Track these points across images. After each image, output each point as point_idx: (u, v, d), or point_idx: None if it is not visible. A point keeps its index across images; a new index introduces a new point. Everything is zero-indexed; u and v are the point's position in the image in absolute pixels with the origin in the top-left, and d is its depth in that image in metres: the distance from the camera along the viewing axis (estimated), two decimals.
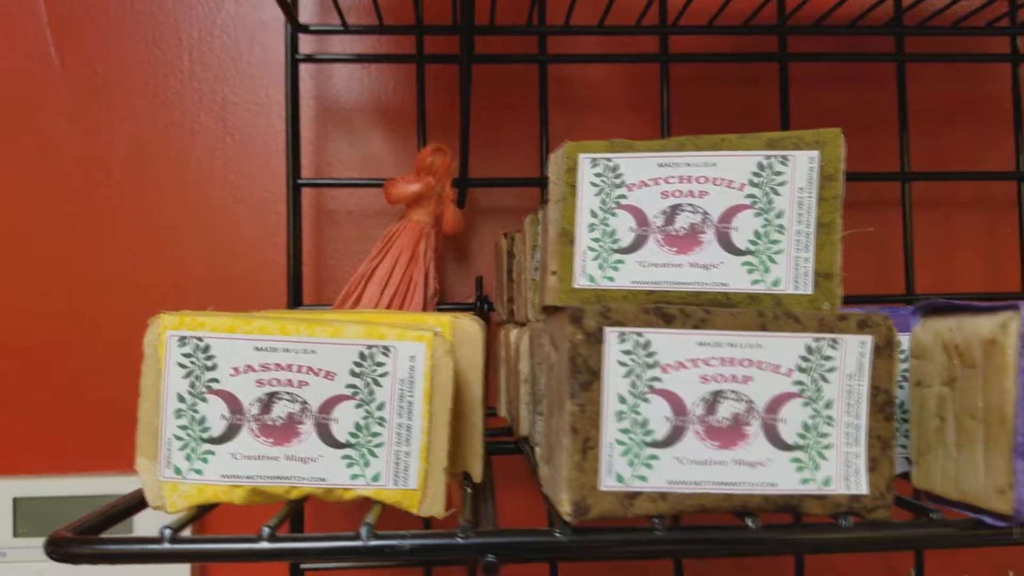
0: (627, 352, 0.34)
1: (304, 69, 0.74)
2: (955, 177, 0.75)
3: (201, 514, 0.37)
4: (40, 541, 0.67)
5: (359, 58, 0.74)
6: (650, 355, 0.34)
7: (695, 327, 0.35)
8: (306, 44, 0.74)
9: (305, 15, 0.74)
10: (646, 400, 0.34)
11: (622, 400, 0.34)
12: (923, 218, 0.77)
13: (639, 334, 0.34)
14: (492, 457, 0.48)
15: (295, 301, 0.68)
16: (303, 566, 0.68)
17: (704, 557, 0.72)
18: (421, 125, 0.71)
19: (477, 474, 0.42)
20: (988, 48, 0.78)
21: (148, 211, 0.73)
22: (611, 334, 0.34)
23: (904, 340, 0.41)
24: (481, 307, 0.70)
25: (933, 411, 0.38)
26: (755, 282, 0.39)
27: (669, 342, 0.35)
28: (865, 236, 0.75)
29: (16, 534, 0.71)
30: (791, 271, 0.39)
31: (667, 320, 0.35)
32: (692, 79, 0.78)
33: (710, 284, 0.39)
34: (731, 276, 0.39)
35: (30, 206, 0.73)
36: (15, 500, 0.71)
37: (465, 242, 0.76)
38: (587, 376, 0.34)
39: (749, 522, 0.34)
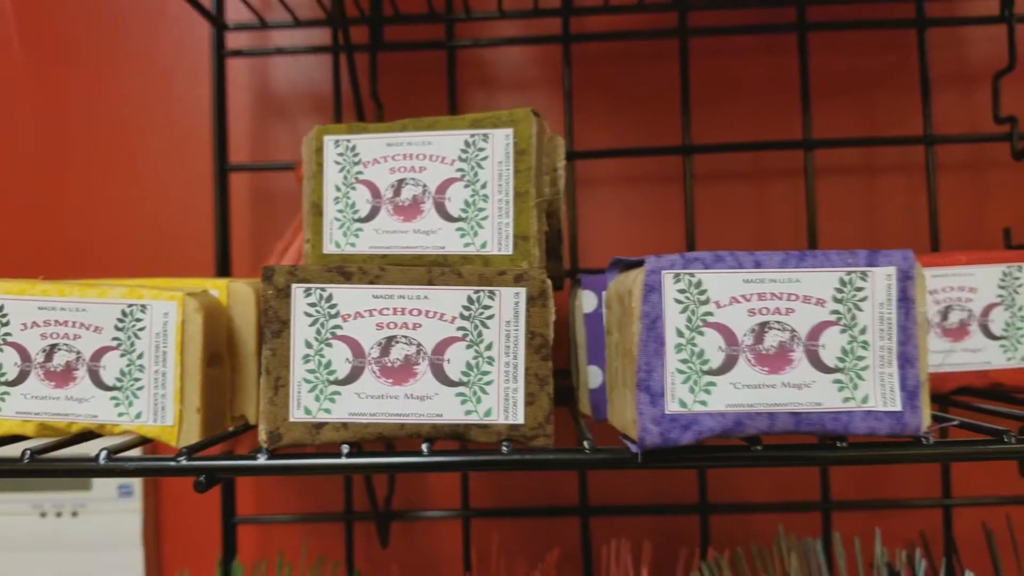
0: (312, 304, 0.42)
1: (246, 64, 0.83)
2: (860, 143, 0.78)
3: (3, 444, 0.46)
4: (15, 496, 0.79)
5: (279, 51, 0.83)
6: (332, 307, 0.42)
7: (371, 282, 0.42)
8: (240, 39, 0.82)
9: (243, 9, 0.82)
10: (329, 345, 0.42)
11: (308, 345, 0.42)
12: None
13: (323, 289, 0.42)
14: None
15: (222, 272, 0.78)
16: (233, 520, 0.77)
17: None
18: (337, 110, 0.80)
19: (253, 416, 0.50)
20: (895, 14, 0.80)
21: (99, 190, 0.84)
22: (298, 290, 0.42)
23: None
24: None
25: (614, 355, 0.45)
26: (467, 245, 0.46)
27: (349, 296, 0.42)
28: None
29: None
30: (495, 234, 0.46)
31: (347, 277, 0.42)
32: (602, 56, 0.83)
33: (431, 247, 0.47)
34: (447, 240, 0.46)
35: None
36: None
37: None
38: (277, 325, 0.42)
39: (424, 447, 0.42)
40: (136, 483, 0.80)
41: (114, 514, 0.81)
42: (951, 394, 0.55)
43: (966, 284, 0.54)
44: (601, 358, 0.51)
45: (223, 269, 0.77)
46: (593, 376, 0.51)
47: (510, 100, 0.84)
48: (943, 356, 0.54)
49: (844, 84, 0.82)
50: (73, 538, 0.81)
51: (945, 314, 0.54)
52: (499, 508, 0.80)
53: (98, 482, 0.80)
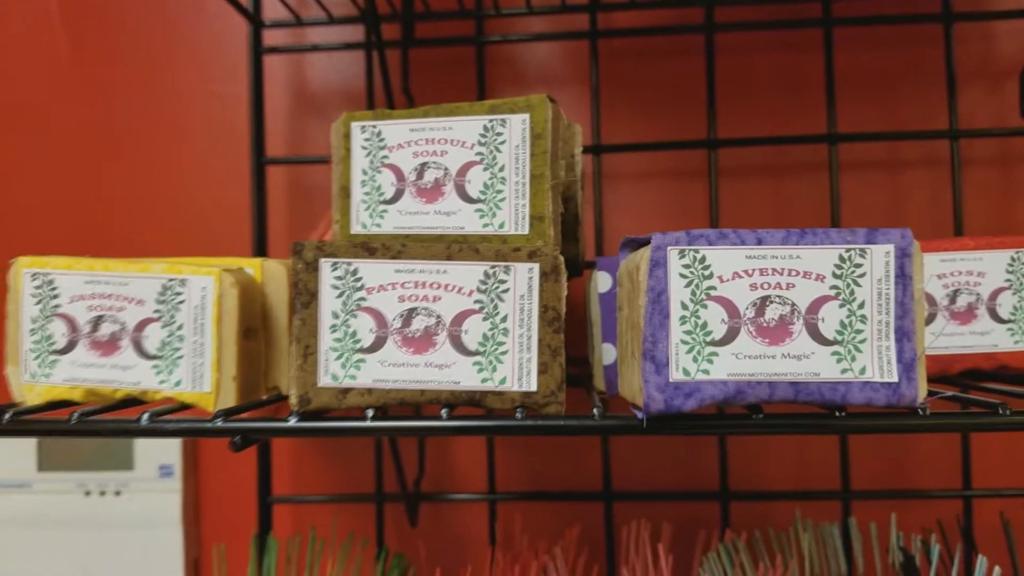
0: (339, 278, 0.45)
1: (282, 61, 0.88)
2: (884, 138, 0.80)
3: (51, 408, 0.50)
4: (61, 475, 0.84)
5: (314, 47, 0.87)
6: (357, 280, 0.45)
7: (393, 257, 0.45)
8: (277, 36, 0.86)
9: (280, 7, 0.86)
10: (354, 316, 0.45)
11: (335, 316, 0.45)
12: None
13: (349, 263, 0.45)
14: None
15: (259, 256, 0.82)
16: (269, 499, 0.81)
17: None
18: (370, 105, 0.84)
19: (285, 387, 0.54)
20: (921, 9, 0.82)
21: (143, 183, 0.89)
22: (325, 264, 0.45)
23: None
24: None
25: (624, 329, 0.47)
26: (485, 225, 0.49)
27: (373, 269, 0.45)
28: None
29: (40, 468, 0.88)
30: (512, 215, 0.49)
31: (371, 252, 0.45)
32: (629, 51, 0.85)
33: (451, 227, 0.50)
34: (467, 221, 0.49)
35: (45, 173, 0.90)
36: (39, 438, 0.88)
37: None
38: (307, 297, 0.45)
39: (443, 413, 0.45)
40: (176, 463, 0.85)
41: (155, 493, 0.85)
42: (959, 376, 0.57)
43: (974, 268, 0.56)
44: (615, 336, 0.54)
45: (260, 256, 0.81)
46: (607, 353, 0.54)
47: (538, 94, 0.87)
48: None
49: (868, 78, 0.84)
50: (116, 516, 0.85)
51: (953, 297, 0.56)
52: (525, 492, 0.83)
53: (140, 462, 0.85)
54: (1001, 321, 0.56)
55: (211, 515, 0.87)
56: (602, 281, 0.54)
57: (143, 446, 0.85)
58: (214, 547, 0.83)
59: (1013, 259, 0.56)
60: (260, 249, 0.81)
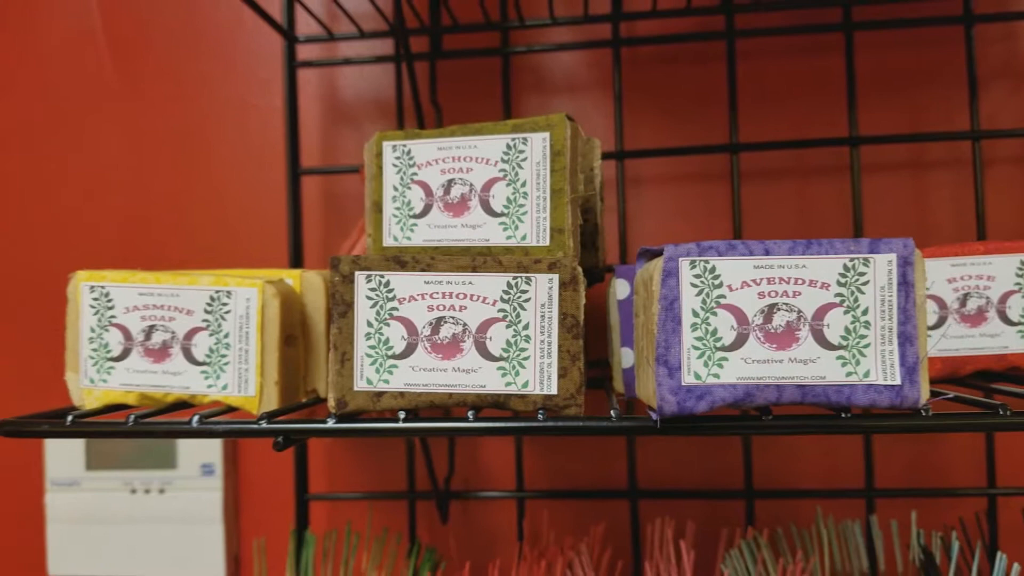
0: (373, 289, 0.49)
1: (315, 73, 0.92)
2: (906, 140, 0.82)
3: (108, 411, 0.55)
4: (108, 474, 0.89)
5: (346, 61, 0.91)
6: (389, 291, 0.49)
7: (423, 270, 0.49)
8: (309, 50, 0.91)
9: (312, 22, 0.90)
10: (387, 324, 0.49)
11: (369, 324, 0.49)
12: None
13: (381, 276, 0.49)
14: None
15: (295, 267, 0.86)
16: (306, 496, 0.86)
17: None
18: (399, 116, 0.88)
19: (323, 391, 0.58)
20: (942, 11, 0.84)
21: (181, 192, 0.94)
22: (360, 276, 0.49)
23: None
24: None
25: (640, 335, 0.51)
26: (508, 237, 0.53)
27: (404, 281, 0.49)
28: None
29: (89, 467, 0.93)
30: (534, 228, 0.52)
31: (402, 265, 0.49)
32: (651, 58, 0.89)
33: (477, 240, 0.53)
34: (491, 233, 0.53)
35: (86, 184, 0.95)
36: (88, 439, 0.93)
37: None
38: (343, 307, 0.49)
39: (470, 415, 0.49)
40: (218, 462, 0.89)
41: (197, 491, 0.90)
42: (969, 377, 0.59)
43: (984, 273, 0.59)
44: (633, 341, 0.57)
45: (296, 264, 0.85)
46: (626, 357, 0.58)
47: (562, 102, 0.91)
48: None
49: (889, 81, 0.86)
50: (159, 513, 0.90)
51: (964, 301, 0.59)
52: (552, 490, 0.86)
53: (183, 461, 0.89)
54: (1011, 323, 0.58)
55: (250, 511, 0.92)
56: (620, 288, 0.58)
57: (186, 446, 0.89)
58: (254, 541, 0.87)
59: (1023, 263, 0.58)
60: (296, 256, 0.85)
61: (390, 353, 0.49)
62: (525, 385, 0.49)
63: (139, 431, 0.50)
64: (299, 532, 0.79)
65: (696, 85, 0.88)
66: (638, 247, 0.86)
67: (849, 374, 0.46)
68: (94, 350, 0.55)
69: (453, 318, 0.49)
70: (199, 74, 0.94)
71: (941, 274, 0.59)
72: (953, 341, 0.59)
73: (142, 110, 0.95)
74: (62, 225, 0.95)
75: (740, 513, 0.84)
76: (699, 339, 0.46)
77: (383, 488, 0.89)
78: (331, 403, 0.49)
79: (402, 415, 0.49)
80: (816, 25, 0.83)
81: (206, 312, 0.54)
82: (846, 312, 0.46)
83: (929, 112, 0.86)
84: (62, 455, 0.92)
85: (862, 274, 0.46)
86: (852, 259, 0.46)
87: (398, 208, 0.55)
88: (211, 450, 0.89)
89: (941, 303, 0.59)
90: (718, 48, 0.86)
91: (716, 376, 0.46)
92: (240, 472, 0.92)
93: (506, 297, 0.49)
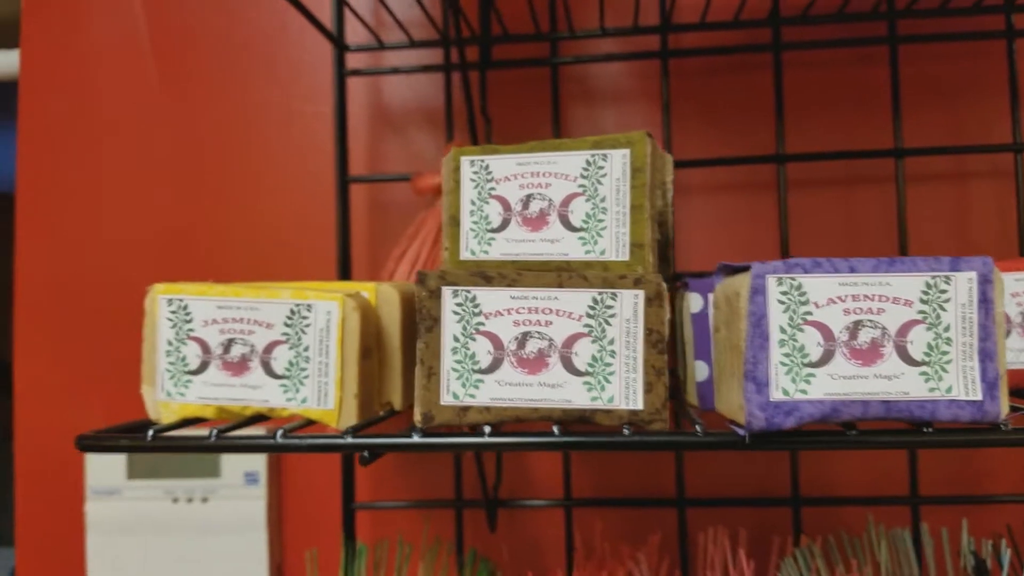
0: (459, 304, 0.51)
1: (361, 81, 0.93)
2: (949, 152, 0.84)
3: (186, 425, 0.56)
4: (149, 482, 0.90)
5: (395, 70, 0.92)
6: (476, 306, 0.51)
7: (509, 285, 0.51)
8: (358, 59, 0.92)
9: (359, 32, 0.92)
10: (473, 339, 0.51)
11: (456, 339, 0.51)
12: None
13: (468, 291, 0.51)
14: None
15: (343, 275, 0.87)
16: (353, 506, 0.87)
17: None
18: (448, 125, 0.89)
19: (397, 403, 0.59)
20: (982, 26, 0.86)
21: (229, 201, 0.95)
22: (447, 291, 0.51)
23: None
24: None
25: (722, 349, 0.52)
26: (587, 252, 0.54)
27: (490, 296, 0.51)
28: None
29: (130, 476, 0.94)
30: (613, 243, 0.54)
31: (488, 280, 0.51)
32: (698, 69, 0.90)
33: (555, 254, 0.55)
34: (570, 248, 0.54)
35: (135, 193, 0.96)
36: None
37: None
38: (430, 322, 0.51)
39: (555, 429, 0.50)
40: (261, 471, 0.90)
41: (241, 500, 0.91)
42: None
43: None
44: (707, 354, 0.59)
45: (344, 273, 0.86)
46: (700, 370, 0.59)
47: (610, 113, 0.92)
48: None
49: (933, 93, 0.88)
50: (202, 522, 0.91)
51: None
52: (600, 498, 0.88)
53: (227, 470, 0.91)
54: None
55: (293, 522, 0.93)
56: (694, 302, 0.59)
57: (230, 454, 0.90)
58: (307, 552, 0.88)
59: None
60: (344, 265, 0.86)
61: (476, 368, 0.50)
62: (611, 400, 0.50)
63: (222, 446, 0.52)
64: (349, 542, 0.80)
65: (743, 95, 0.89)
66: (685, 256, 0.88)
67: (932, 390, 0.47)
68: (171, 363, 0.56)
69: (539, 333, 0.50)
70: (244, 80, 0.95)
71: (1006, 288, 0.60)
72: (1016, 355, 0.60)
73: (187, 117, 0.96)
74: (109, 233, 0.96)
75: (785, 521, 0.85)
76: (787, 355, 0.47)
77: (425, 496, 0.91)
78: (417, 417, 0.51)
79: (487, 429, 0.50)
80: (862, 39, 0.85)
81: (286, 325, 0.55)
82: (928, 329, 0.48)
83: (970, 123, 0.87)
84: (103, 463, 0.93)
85: (943, 291, 0.48)
86: (934, 277, 0.48)
87: (475, 222, 0.56)
88: (255, 459, 0.91)
89: (1005, 317, 0.60)
90: (763, 59, 0.88)
91: (804, 392, 0.47)
92: (283, 481, 0.93)
93: (592, 312, 0.50)
